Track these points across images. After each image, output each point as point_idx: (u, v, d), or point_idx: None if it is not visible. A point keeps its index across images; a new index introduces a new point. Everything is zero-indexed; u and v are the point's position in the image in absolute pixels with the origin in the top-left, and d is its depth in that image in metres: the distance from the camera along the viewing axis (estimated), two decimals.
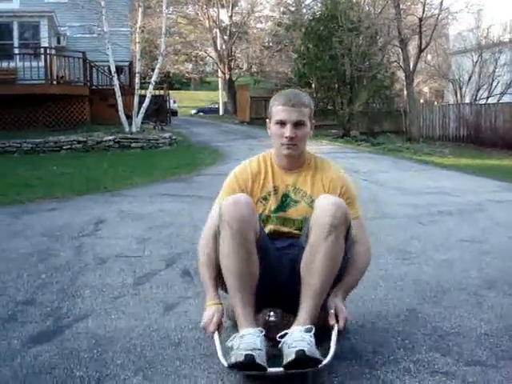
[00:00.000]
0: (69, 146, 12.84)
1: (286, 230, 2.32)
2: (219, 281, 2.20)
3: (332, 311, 2.13)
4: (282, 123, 2.26)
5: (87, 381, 1.99)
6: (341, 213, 2.07)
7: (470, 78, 20.62)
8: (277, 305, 2.20)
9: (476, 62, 20.51)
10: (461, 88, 21.00)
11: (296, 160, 2.34)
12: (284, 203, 2.33)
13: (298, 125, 2.26)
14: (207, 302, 2.19)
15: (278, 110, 2.28)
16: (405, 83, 18.93)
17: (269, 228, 2.30)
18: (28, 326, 2.50)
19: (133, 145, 13.45)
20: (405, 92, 19.63)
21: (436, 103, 23.91)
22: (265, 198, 2.33)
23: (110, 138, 13.42)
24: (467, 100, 20.37)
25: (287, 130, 2.24)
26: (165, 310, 2.71)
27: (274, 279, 2.19)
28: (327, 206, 2.08)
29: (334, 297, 2.18)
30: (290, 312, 2.15)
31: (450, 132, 18.89)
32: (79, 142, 12.98)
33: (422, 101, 24.63)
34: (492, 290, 2.98)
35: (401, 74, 19.92)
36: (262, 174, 2.36)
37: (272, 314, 2.16)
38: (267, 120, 2.38)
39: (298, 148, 2.29)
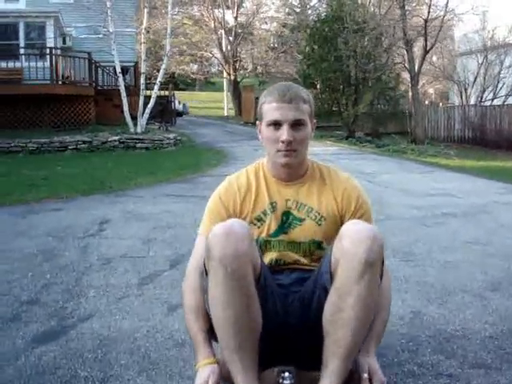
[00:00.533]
0: (74, 146, 12.88)
1: (292, 257, 1.85)
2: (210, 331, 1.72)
3: (366, 376, 1.64)
4: (276, 124, 1.78)
5: (91, 381, 2.00)
6: (377, 245, 1.59)
7: (475, 80, 20.59)
8: (285, 360, 1.73)
9: (481, 64, 20.47)
10: (466, 90, 20.98)
11: (296, 169, 1.87)
12: (285, 223, 1.85)
13: (296, 125, 1.78)
14: (200, 362, 1.69)
15: (270, 107, 1.79)
16: (410, 84, 18.90)
17: (269, 257, 1.84)
18: (32, 326, 2.51)
19: (138, 145, 13.48)
20: (410, 93, 19.59)
21: (441, 105, 23.86)
22: (259, 219, 1.85)
23: (115, 138, 13.46)
24: (472, 102, 20.33)
25: (283, 133, 1.76)
26: (169, 311, 2.71)
27: (279, 327, 1.73)
28: (359, 235, 1.60)
29: (365, 354, 1.69)
30: (303, 368, 1.73)
31: (455, 133, 18.87)
32: (84, 142, 13.03)
33: (427, 102, 24.60)
34: (496, 293, 2.97)
35: (406, 76, 19.91)
36: (253, 190, 1.88)
37: (287, 374, 1.69)
38: (257, 122, 1.90)
39: (298, 154, 1.81)
